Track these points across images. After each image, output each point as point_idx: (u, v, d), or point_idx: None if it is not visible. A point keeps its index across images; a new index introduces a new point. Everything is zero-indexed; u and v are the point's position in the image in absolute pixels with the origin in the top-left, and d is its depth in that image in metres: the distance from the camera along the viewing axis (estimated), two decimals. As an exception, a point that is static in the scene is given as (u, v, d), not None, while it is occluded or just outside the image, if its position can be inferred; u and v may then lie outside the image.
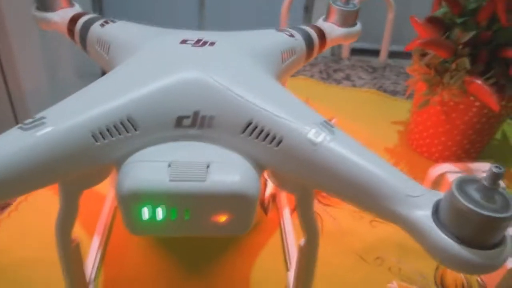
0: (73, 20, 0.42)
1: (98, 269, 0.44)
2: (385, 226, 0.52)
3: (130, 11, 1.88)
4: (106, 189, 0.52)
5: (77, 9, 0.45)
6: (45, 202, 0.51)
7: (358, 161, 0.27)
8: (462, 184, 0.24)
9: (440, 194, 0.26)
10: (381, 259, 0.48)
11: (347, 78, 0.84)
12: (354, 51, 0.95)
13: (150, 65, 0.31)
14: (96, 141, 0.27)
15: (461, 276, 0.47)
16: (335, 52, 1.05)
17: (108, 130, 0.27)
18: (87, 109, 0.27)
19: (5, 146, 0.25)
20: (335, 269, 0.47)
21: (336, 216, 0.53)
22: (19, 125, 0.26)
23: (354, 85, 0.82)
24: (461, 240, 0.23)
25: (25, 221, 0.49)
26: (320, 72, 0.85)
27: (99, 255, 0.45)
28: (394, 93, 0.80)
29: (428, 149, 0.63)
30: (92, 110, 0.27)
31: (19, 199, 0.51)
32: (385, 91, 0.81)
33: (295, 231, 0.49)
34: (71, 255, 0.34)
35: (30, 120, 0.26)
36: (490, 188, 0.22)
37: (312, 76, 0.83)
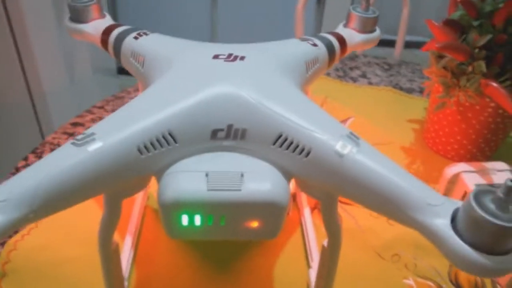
0: (106, 32, 0.45)
1: (131, 267, 0.47)
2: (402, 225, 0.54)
3: (143, 15, 1.92)
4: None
5: (108, 20, 0.47)
6: (84, 203, 0.54)
7: (383, 171, 0.29)
8: (478, 195, 0.26)
9: (457, 203, 0.28)
10: (398, 256, 0.51)
11: (363, 75, 0.85)
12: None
13: (186, 80, 0.33)
14: (141, 154, 0.29)
15: (475, 273, 0.49)
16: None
17: (151, 143, 0.30)
18: (131, 124, 0.30)
19: (61, 161, 0.28)
20: (353, 264, 0.49)
21: (355, 215, 0.56)
22: (72, 141, 0.29)
23: (370, 83, 0.83)
24: (477, 247, 0.25)
25: (60, 221, 0.51)
26: (337, 70, 0.87)
27: (131, 254, 0.48)
28: (410, 90, 0.82)
29: (444, 148, 0.65)
30: (136, 125, 0.30)
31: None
32: (401, 88, 0.82)
33: (315, 230, 0.52)
34: (111, 256, 0.37)
35: (81, 136, 0.29)
36: (505, 199, 0.25)
37: (328, 74, 0.85)
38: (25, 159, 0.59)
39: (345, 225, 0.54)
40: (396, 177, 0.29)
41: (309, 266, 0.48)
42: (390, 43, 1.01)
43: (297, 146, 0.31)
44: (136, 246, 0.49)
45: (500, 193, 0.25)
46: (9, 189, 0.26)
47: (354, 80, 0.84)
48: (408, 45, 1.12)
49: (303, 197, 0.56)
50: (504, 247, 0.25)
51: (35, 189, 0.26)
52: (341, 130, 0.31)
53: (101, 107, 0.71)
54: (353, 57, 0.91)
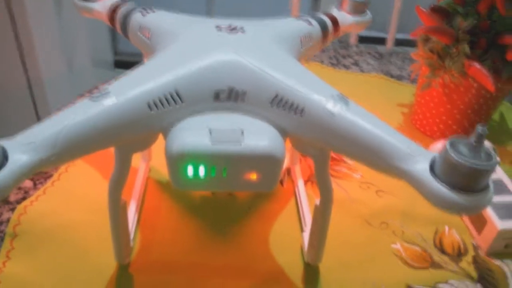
0: (114, 9, 0.47)
1: (135, 230, 0.50)
2: (389, 196, 0.58)
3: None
4: (137, 163, 0.58)
5: (114, -2, 0.50)
6: (83, 173, 0.57)
7: (369, 127, 0.32)
8: (453, 143, 0.29)
9: (435, 153, 0.31)
10: (386, 223, 0.54)
11: (356, 63, 0.89)
12: (362, 39, 1.00)
13: (192, 47, 0.37)
14: (151, 110, 0.32)
15: (457, 239, 0.53)
16: (343, 39, 1.09)
17: (160, 101, 0.33)
18: (143, 83, 0.33)
19: (79, 113, 0.31)
20: (343, 231, 0.52)
21: (346, 187, 0.59)
22: (88, 96, 0.32)
23: (362, 71, 0.87)
24: (452, 187, 0.29)
25: (66, 189, 0.54)
26: (330, 58, 0.90)
27: (135, 219, 0.51)
28: (399, 77, 0.85)
29: (430, 128, 0.69)
30: (147, 84, 0.33)
31: (60, 170, 0.57)
32: (391, 76, 0.86)
33: (308, 199, 0.55)
34: (120, 212, 0.40)
35: (97, 92, 0.32)
36: (476, 145, 0.28)
37: (322, 61, 0.88)
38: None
39: (336, 197, 0.57)
40: (381, 131, 0.32)
41: (302, 230, 0.51)
42: (381, 41, 1.04)
43: (292, 106, 0.34)
44: (140, 212, 0.52)
45: (472, 140, 0.28)
46: (35, 133, 0.29)
47: (346, 67, 0.87)
48: (400, 42, 1.16)
49: (297, 170, 0.59)
50: (476, 186, 0.29)
51: (57, 135, 0.29)
52: (332, 91, 0.35)
53: (103, 89, 0.74)
54: (346, 46, 0.95)
